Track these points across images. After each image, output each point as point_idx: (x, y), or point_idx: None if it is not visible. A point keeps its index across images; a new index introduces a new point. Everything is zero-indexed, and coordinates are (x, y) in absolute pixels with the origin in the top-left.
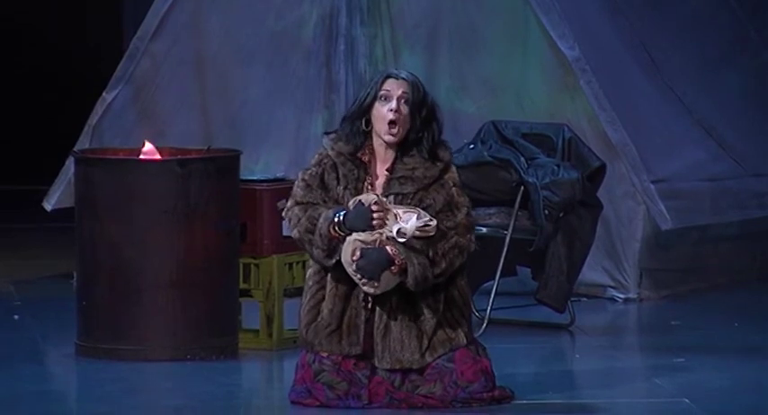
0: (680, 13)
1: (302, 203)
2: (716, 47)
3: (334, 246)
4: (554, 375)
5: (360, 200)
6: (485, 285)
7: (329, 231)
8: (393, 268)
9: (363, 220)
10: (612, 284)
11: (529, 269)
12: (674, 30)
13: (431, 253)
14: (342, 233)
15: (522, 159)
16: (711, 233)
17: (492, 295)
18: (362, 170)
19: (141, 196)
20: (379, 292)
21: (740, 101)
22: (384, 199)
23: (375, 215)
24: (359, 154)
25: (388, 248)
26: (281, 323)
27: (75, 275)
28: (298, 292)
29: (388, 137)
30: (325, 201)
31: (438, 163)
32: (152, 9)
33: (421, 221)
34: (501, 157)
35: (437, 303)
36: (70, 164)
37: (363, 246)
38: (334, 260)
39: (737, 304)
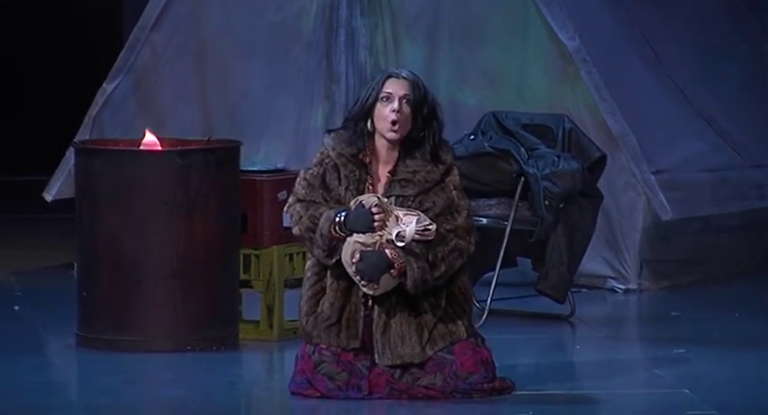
0: (680, 3)
1: (304, 201)
2: (716, 38)
3: (334, 246)
4: (554, 366)
5: (361, 201)
6: (485, 276)
7: (330, 231)
8: (392, 271)
9: (364, 222)
10: (613, 275)
11: (529, 260)
12: (674, 22)
13: (430, 257)
14: (342, 234)
15: (523, 150)
16: (712, 224)
17: (492, 286)
18: (363, 171)
19: (141, 187)
20: (378, 293)
21: (740, 93)
22: (385, 201)
23: (376, 217)
24: (360, 156)
25: (387, 251)
26: (282, 314)
27: (75, 266)
28: (298, 283)
29: (390, 135)
30: (326, 201)
31: (440, 166)
32: None
33: (421, 225)
34: (501, 148)
35: (438, 300)
36: (70, 155)
37: (363, 248)
38: (334, 260)
39: (737, 295)
